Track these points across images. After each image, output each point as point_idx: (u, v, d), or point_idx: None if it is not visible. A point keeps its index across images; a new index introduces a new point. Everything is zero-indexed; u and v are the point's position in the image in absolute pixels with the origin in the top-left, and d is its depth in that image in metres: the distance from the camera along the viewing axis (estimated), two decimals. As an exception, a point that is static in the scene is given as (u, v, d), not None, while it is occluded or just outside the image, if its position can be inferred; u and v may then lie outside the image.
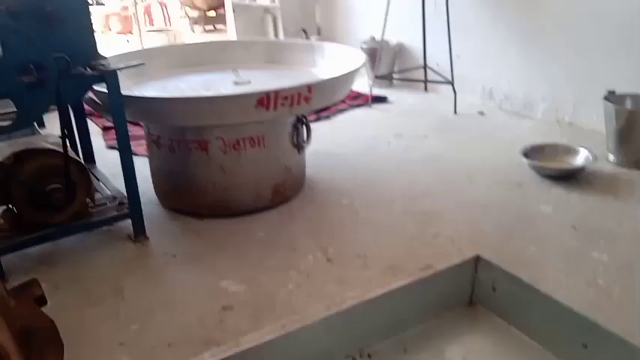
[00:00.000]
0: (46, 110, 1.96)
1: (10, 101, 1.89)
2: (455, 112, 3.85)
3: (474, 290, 1.42)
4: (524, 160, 2.81)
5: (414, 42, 4.36)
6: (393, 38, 4.45)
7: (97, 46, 2.09)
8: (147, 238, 2.31)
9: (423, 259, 2.08)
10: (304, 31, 4.54)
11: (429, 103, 4.14)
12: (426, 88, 4.40)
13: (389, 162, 3.08)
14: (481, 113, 3.84)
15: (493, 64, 3.89)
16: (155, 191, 2.65)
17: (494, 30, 3.83)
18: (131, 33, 7.60)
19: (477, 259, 1.42)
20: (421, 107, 4.06)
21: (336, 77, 2.53)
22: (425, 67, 4.18)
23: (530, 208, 2.48)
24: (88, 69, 2.01)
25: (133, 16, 7.29)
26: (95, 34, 2.10)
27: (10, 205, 2.14)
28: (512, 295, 1.31)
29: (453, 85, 3.86)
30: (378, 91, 4.26)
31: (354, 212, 2.51)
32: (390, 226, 2.37)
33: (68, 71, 1.92)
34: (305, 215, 2.49)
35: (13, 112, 1.92)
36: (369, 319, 1.25)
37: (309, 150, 2.71)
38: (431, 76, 4.17)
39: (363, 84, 4.20)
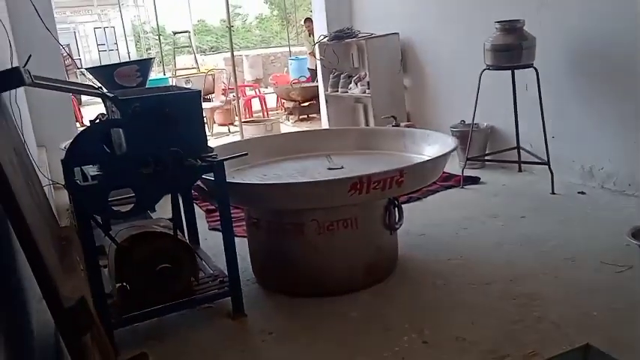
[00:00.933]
0: (161, 197, 2.17)
1: (130, 190, 2.12)
2: (552, 192, 3.73)
3: (584, 379, 1.33)
4: (633, 242, 2.64)
5: (505, 124, 4.36)
6: (483, 121, 4.49)
7: (206, 140, 2.33)
8: (245, 315, 2.40)
9: (526, 344, 1.98)
10: (394, 117, 4.70)
11: (524, 183, 4.06)
12: (520, 169, 4.32)
13: (484, 243, 3.01)
14: (582, 193, 3.69)
15: (591, 143, 3.78)
16: (253, 270, 2.77)
17: (590, 109, 3.76)
18: (232, 124, 8.23)
19: (587, 347, 1.34)
20: (516, 188, 3.98)
21: (426, 161, 2.60)
22: (518, 147, 4.14)
23: (643, 293, 2.30)
24: (199, 160, 2.23)
25: (234, 109, 7.93)
26: (204, 129, 2.35)
27: (124, 283, 2.33)
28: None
29: (549, 165, 3.77)
30: (470, 172, 4.25)
31: (450, 293, 2.46)
32: (489, 308, 2.29)
33: (182, 163, 2.13)
34: (398, 296, 2.48)
35: (130, 196, 2.15)
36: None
37: (401, 230, 2.74)
38: (525, 157, 4.11)
39: (454, 166, 4.22)
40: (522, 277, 2.54)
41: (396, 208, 2.63)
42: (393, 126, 4.51)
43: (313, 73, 9.13)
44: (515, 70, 3.89)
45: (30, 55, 2.02)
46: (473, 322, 2.18)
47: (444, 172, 3.28)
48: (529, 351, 1.91)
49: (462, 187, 4.07)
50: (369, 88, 5.41)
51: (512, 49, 3.73)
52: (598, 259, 2.64)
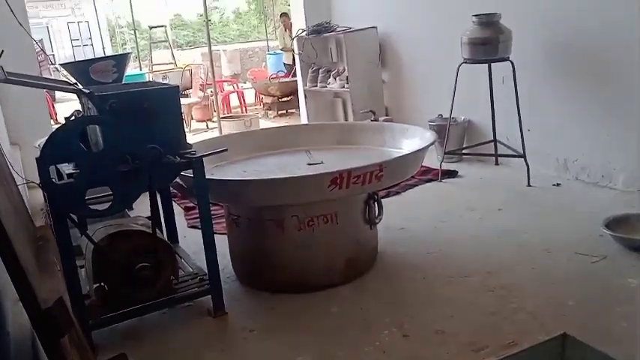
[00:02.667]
0: (139, 195, 2.15)
1: (107, 188, 2.09)
2: (528, 184, 3.79)
3: (563, 369, 1.36)
4: (607, 232, 2.70)
5: (482, 118, 4.41)
6: (461, 115, 4.53)
7: (185, 136, 2.31)
8: (225, 312, 2.39)
9: (504, 335, 2.01)
10: (373, 112, 4.71)
11: (501, 176, 4.11)
12: (497, 162, 4.38)
13: (462, 236, 3.05)
14: (557, 185, 3.75)
15: (566, 136, 3.84)
16: (233, 267, 2.76)
17: (565, 102, 3.82)
18: (211, 120, 8.16)
19: (564, 337, 1.36)
20: (493, 181, 4.04)
21: (406, 155, 2.61)
22: (495, 141, 4.19)
23: (616, 282, 2.35)
24: (177, 157, 2.21)
25: (212, 104, 7.87)
26: (183, 125, 2.33)
27: (102, 283, 2.30)
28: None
29: (525, 158, 3.83)
30: (448, 166, 4.29)
31: (429, 287, 2.49)
32: (468, 301, 2.33)
33: (160, 160, 2.11)
34: (378, 290, 2.50)
35: (107, 195, 2.12)
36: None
37: (381, 225, 2.75)
38: (501, 150, 4.17)
39: (432, 160, 4.25)
40: (499, 269, 2.58)
41: (376, 203, 2.64)
42: (371, 120, 4.53)
43: (289, 68, 9.13)
44: (492, 64, 3.94)
45: (2, 51, 1.97)
46: (452, 315, 2.21)
47: (422, 166, 3.31)
48: (507, 342, 1.95)
49: (440, 181, 4.11)
50: (347, 83, 5.41)
51: (488, 43, 3.77)
52: (573, 249, 2.70)
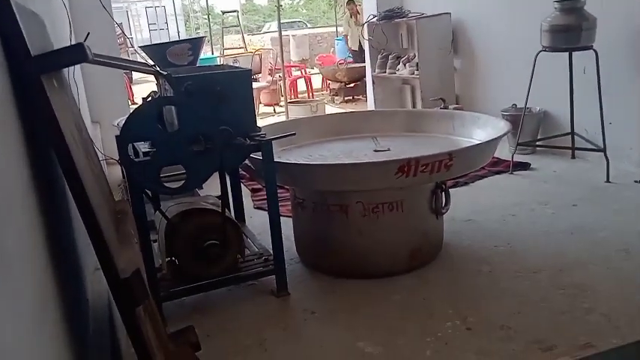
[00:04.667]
0: (210, 175, 2.21)
1: (180, 166, 2.17)
2: (607, 180, 3.60)
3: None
4: (694, 234, 2.52)
5: (559, 109, 4.21)
6: (536, 105, 4.35)
7: (256, 120, 2.35)
8: (288, 293, 2.44)
9: (575, 336, 1.93)
10: (443, 100, 4.61)
11: (577, 171, 3.92)
12: (573, 156, 4.17)
13: (533, 231, 2.94)
14: (638, 182, 3.53)
15: (651, 130, 3.60)
16: (297, 250, 2.80)
17: (651, 93, 3.58)
18: (278, 105, 8.27)
19: (642, 343, 1.29)
20: (568, 175, 3.86)
21: (476, 145, 2.54)
22: (572, 133, 3.99)
23: (703, 288, 2.20)
24: (247, 139, 2.25)
25: (280, 89, 7.97)
26: (254, 109, 2.37)
27: (173, 258, 2.40)
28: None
29: (605, 153, 3.63)
30: (520, 158, 4.14)
31: (495, 281, 2.43)
32: (536, 298, 2.25)
33: (231, 142, 2.17)
34: (442, 281, 2.46)
35: (181, 173, 2.20)
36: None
37: (447, 216, 2.70)
38: (579, 143, 3.97)
39: (504, 151, 4.12)
40: (572, 267, 2.48)
41: (443, 193, 2.59)
42: (441, 108, 4.43)
43: (355, 54, 9.09)
44: (573, 53, 3.74)
45: (88, 33, 2.07)
46: (519, 312, 2.15)
47: (493, 157, 3.22)
48: (580, 343, 1.87)
49: (512, 173, 3.98)
50: (417, 70, 5.32)
51: (571, 30, 3.58)
52: (654, 251, 2.54)
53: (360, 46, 9.13)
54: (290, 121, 3.47)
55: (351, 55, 9.38)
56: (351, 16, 9.38)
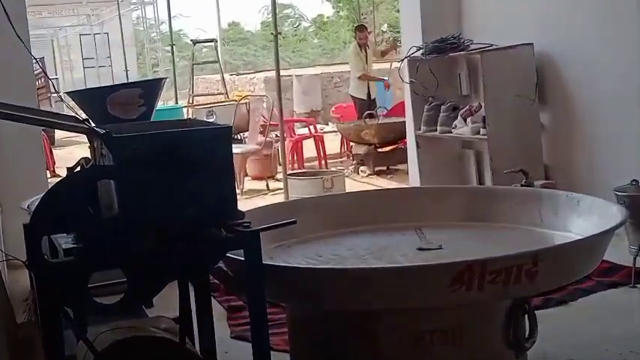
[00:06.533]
0: (165, 285, 2.22)
1: (120, 271, 2.18)
2: None
3: None
4: None
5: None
6: (667, 180, 4.37)
7: (236, 200, 2.39)
8: None
9: None
10: (524, 172, 4.65)
11: None
12: None
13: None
14: None
15: None
16: (298, 406, 2.75)
17: None
18: (274, 178, 8.38)
19: None
20: None
21: (576, 241, 2.55)
22: None
23: None
24: (223, 230, 2.27)
25: (277, 155, 8.10)
26: (233, 184, 2.42)
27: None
28: None
29: None
30: (646, 263, 4.12)
31: None
32: None
33: (199, 234, 2.19)
34: None
35: (120, 282, 2.20)
36: None
37: (534, 352, 2.67)
38: None
39: (620, 251, 4.10)
40: None
41: (526, 316, 2.57)
42: (522, 185, 4.46)
43: (360, 104, 9.37)
44: None
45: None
46: None
47: (603, 261, 3.20)
48: None
49: (634, 286, 3.95)
50: (485, 127, 5.41)
51: None
52: None
53: (369, 94, 9.50)
54: (290, 202, 3.51)
55: (356, 104, 9.68)
56: (360, 49, 9.70)
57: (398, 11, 7.39)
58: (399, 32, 10.54)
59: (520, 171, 4.74)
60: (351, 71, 10.10)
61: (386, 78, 10.23)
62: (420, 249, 2.82)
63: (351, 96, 9.99)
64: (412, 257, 2.73)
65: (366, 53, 9.61)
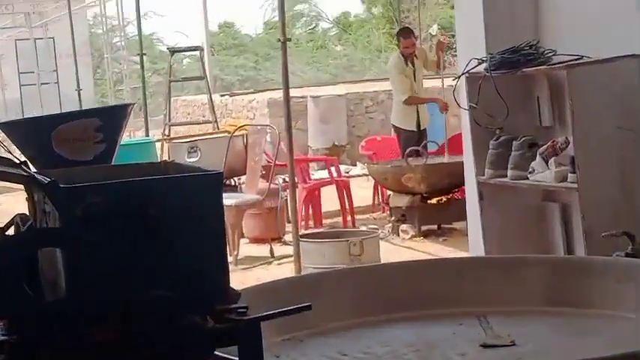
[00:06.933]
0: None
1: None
2: None
3: None
4: None
5: None
6: None
7: (227, 275, 2.40)
8: None
9: None
10: (629, 235, 4.64)
11: None
12: None
13: None
14: None
15: None
16: None
17: None
18: (280, 240, 8.39)
19: None
20: None
21: None
22: None
23: None
24: (210, 318, 2.28)
25: (284, 208, 8.12)
26: (224, 251, 2.43)
27: None
28: None
29: None
30: None
31: None
32: None
33: (176, 323, 2.19)
34: None
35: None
36: None
37: None
38: None
39: None
40: None
41: None
42: (626, 255, 4.45)
43: (406, 137, 9.34)
44: None
45: None
46: None
47: None
48: None
49: None
50: (574, 171, 5.40)
51: None
52: None
53: (419, 123, 9.42)
54: (304, 276, 3.49)
55: (399, 137, 9.63)
56: (406, 61, 9.67)
57: (452, 8, 7.36)
58: (453, 36, 10.49)
59: (624, 234, 4.72)
60: (394, 93, 10.06)
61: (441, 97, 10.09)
62: (485, 345, 2.80)
63: (394, 126, 9.93)
64: (474, 357, 2.72)
65: (414, 67, 9.56)
